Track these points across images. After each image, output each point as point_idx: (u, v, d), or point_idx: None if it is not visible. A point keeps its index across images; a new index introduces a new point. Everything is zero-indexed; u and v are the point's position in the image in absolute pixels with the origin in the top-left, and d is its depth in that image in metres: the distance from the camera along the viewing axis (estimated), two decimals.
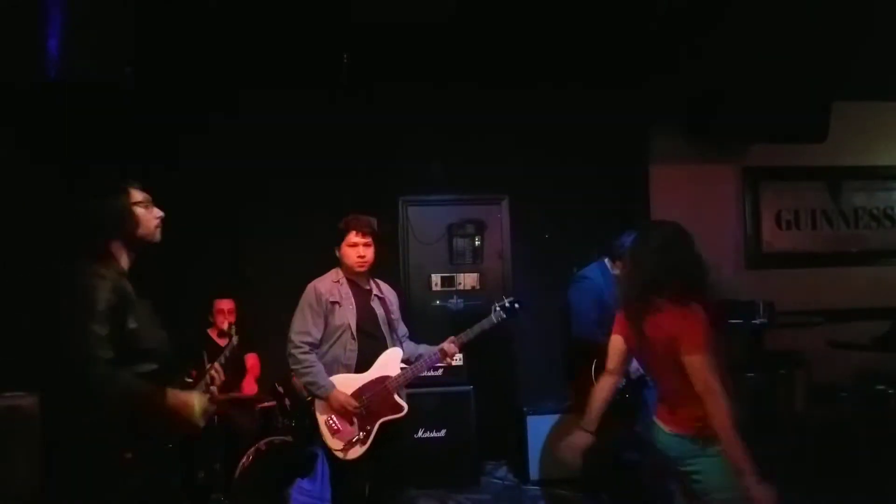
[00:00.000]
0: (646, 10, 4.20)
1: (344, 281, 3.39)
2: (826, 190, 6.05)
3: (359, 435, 3.22)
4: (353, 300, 3.34)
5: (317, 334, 3.29)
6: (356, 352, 3.30)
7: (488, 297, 5.51)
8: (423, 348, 3.53)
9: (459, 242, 5.46)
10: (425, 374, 3.69)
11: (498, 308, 3.52)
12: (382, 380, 3.29)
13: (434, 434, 4.70)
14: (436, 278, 5.37)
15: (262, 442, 4.12)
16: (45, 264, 2.34)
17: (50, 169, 4.71)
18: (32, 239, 4.50)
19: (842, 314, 5.49)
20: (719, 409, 2.28)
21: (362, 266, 3.35)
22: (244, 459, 4.04)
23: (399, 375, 3.30)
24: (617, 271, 4.03)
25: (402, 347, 3.46)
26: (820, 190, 6.05)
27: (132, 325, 2.21)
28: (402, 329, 3.60)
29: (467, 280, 5.48)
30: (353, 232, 3.34)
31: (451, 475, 4.72)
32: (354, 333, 3.30)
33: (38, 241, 4.58)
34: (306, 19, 4.25)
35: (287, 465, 4.09)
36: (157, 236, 2.43)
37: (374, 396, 3.26)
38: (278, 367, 4.60)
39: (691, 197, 5.70)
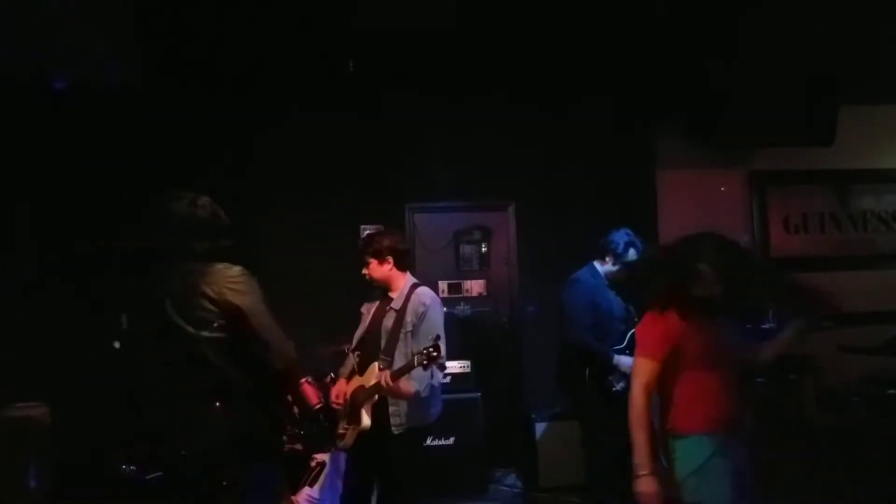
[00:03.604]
0: (646, 12, 4.22)
1: (376, 294, 3.56)
2: (834, 193, 6.02)
3: (344, 427, 3.40)
4: (372, 313, 3.51)
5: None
6: (358, 358, 3.48)
7: (495, 304, 5.55)
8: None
9: (466, 249, 5.49)
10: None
11: (419, 355, 3.12)
12: (359, 389, 3.36)
13: (442, 441, 4.69)
14: (443, 285, 5.38)
15: None
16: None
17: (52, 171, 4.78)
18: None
19: (851, 318, 5.44)
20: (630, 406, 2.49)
21: (372, 282, 3.50)
22: None
23: (367, 389, 3.29)
24: (606, 269, 4.05)
25: (403, 361, 3.25)
26: (828, 193, 6.01)
27: None
28: (425, 343, 3.19)
29: (474, 287, 5.49)
30: None
31: (459, 482, 4.72)
32: (354, 343, 3.52)
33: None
34: (314, 25, 4.29)
35: (295, 474, 4.10)
36: None
37: (351, 403, 3.36)
38: None
39: (699, 202, 5.68)
